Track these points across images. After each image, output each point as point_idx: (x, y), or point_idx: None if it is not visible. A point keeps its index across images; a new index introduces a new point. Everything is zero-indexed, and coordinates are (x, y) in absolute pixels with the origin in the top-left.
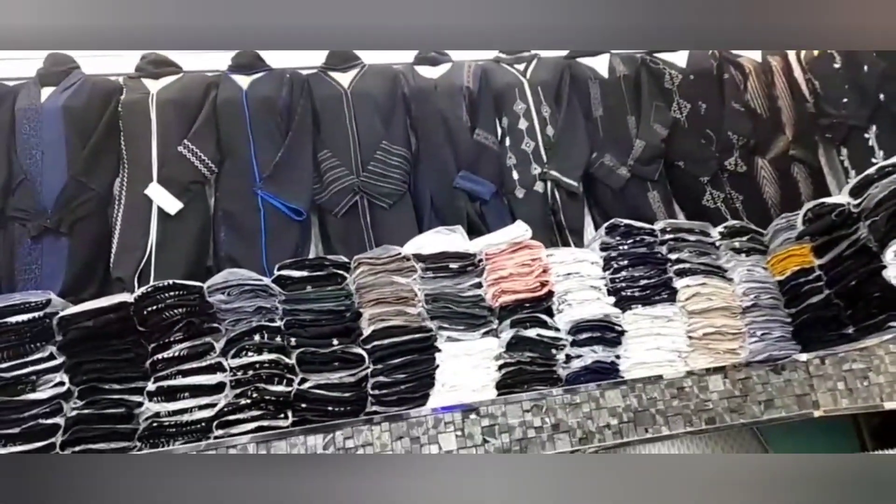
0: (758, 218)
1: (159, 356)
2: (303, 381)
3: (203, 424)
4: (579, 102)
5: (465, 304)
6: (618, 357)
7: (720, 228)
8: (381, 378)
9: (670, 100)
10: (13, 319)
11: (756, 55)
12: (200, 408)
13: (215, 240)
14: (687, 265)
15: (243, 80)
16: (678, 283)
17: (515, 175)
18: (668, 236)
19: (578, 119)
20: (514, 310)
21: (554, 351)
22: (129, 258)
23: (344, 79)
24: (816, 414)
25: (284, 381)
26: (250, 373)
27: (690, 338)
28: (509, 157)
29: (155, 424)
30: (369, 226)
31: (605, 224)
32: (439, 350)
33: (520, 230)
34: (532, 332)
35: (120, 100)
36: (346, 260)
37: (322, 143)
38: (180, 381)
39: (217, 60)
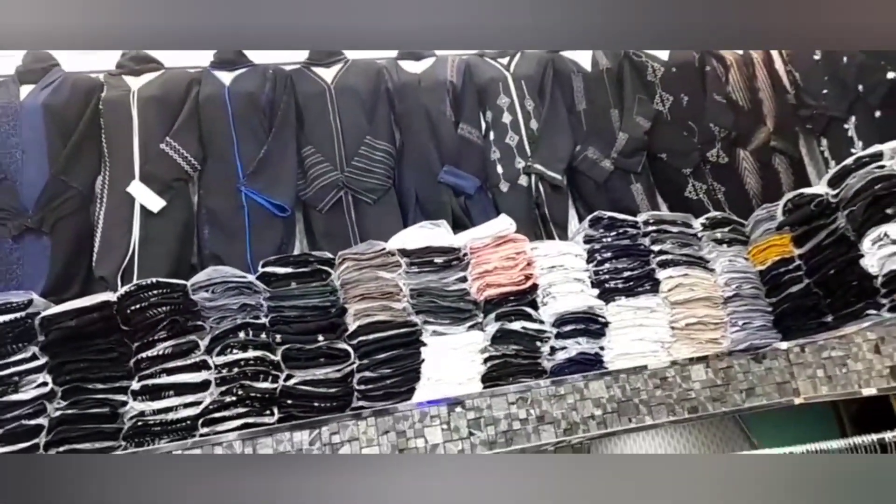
0: (740, 208)
1: (143, 355)
2: (288, 377)
3: (188, 422)
4: (562, 96)
5: (450, 298)
6: (602, 348)
7: (702, 220)
8: (366, 373)
9: (653, 92)
10: None
11: None
12: (185, 406)
13: (199, 237)
14: (669, 256)
15: (226, 77)
16: (661, 275)
17: (499, 169)
18: (650, 228)
19: (562, 112)
20: (498, 303)
21: (539, 343)
22: (111, 257)
23: (327, 74)
24: (797, 401)
25: (270, 377)
26: (235, 370)
27: (673, 328)
28: (493, 151)
29: (140, 423)
30: (354, 221)
31: (589, 217)
32: (425, 344)
33: (504, 224)
34: (517, 325)
35: (101, 97)
36: (331, 256)
37: (306, 139)
38: (165, 379)
39: (199, 57)
